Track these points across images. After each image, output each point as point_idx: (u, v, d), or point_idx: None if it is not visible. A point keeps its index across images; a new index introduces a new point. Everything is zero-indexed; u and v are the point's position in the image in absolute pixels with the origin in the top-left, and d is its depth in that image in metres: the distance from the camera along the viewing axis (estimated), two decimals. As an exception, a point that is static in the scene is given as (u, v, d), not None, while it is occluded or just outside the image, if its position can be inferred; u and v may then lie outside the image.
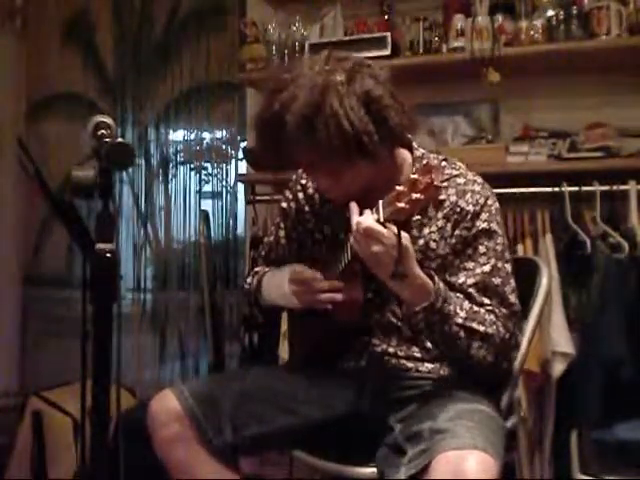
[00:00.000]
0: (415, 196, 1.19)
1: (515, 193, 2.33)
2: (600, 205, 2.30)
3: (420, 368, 1.49)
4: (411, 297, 1.34)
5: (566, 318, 2.23)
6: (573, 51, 2.35)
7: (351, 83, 1.33)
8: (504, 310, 1.43)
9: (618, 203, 2.32)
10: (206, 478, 1.40)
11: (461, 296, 1.41)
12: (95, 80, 3.59)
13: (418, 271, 1.32)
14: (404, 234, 1.27)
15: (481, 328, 1.38)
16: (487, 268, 1.43)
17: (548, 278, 1.65)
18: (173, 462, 1.42)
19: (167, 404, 1.43)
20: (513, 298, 1.45)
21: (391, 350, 1.51)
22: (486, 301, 1.42)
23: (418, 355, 1.50)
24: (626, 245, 2.21)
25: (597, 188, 2.30)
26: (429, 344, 1.50)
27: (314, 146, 1.33)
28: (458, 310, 1.37)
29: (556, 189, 2.34)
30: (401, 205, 1.21)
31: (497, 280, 1.43)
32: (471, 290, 1.42)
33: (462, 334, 1.37)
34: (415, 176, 1.20)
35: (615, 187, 2.29)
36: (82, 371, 1.17)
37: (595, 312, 2.19)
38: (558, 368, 2.21)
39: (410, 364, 1.50)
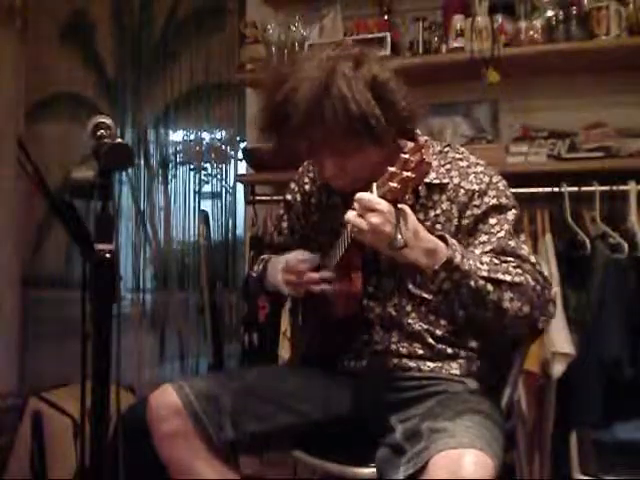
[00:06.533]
0: (406, 174, 1.21)
1: (515, 193, 2.32)
2: (600, 205, 2.29)
3: (422, 367, 1.49)
4: (427, 260, 1.31)
5: (566, 318, 2.23)
6: (573, 51, 2.34)
7: (358, 68, 1.36)
8: (529, 265, 1.39)
9: (618, 203, 2.32)
10: (205, 476, 1.40)
11: (478, 253, 1.40)
12: (95, 80, 3.59)
13: (427, 234, 1.31)
14: (402, 205, 1.26)
15: (507, 278, 1.35)
16: (501, 234, 1.42)
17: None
18: (173, 458, 1.42)
19: (167, 399, 1.42)
20: (534, 259, 1.42)
21: (393, 347, 1.50)
22: (508, 259, 1.39)
23: (420, 352, 1.49)
24: (626, 245, 2.20)
25: (597, 188, 2.29)
26: (431, 340, 1.49)
27: (322, 128, 1.34)
28: (479, 264, 1.34)
29: (556, 189, 2.33)
30: (393, 185, 1.22)
31: (513, 243, 1.42)
32: (490, 255, 1.40)
33: (490, 287, 1.33)
34: (406, 155, 1.21)
35: (615, 187, 2.29)
36: (82, 371, 1.16)
37: (595, 312, 2.18)
38: (558, 368, 2.20)
39: (412, 363, 1.49)
